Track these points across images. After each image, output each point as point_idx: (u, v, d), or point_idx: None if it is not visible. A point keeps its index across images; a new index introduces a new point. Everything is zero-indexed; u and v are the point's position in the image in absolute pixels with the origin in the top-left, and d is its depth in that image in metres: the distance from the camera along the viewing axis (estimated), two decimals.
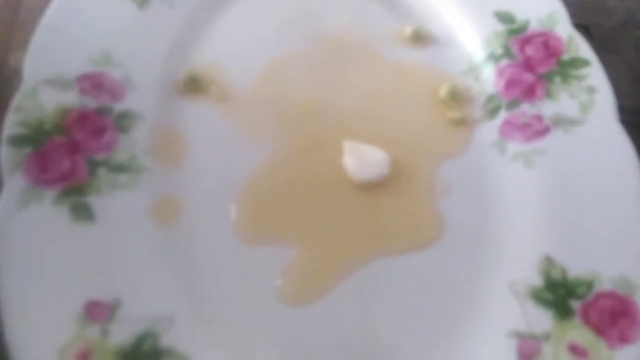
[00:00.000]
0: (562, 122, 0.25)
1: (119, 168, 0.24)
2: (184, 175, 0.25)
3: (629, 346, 0.20)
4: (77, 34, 0.26)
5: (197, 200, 0.24)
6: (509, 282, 0.22)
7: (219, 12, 0.29)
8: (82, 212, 0.22)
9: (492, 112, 0.26)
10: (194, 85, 0.27)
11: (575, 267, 0.22)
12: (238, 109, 0.27)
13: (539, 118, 0.25)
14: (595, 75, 0.25)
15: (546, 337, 0.21)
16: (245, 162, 0.25)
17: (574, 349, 0.20)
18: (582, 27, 0.30)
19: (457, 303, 0.22)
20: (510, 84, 0.26)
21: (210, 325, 0.21)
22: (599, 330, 0.20)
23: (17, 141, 0.23)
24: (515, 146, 0.25)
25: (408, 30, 0.29)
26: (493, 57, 0.27)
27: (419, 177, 0.25)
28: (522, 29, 0.27)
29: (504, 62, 0.27)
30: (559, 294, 0.21)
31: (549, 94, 0.26)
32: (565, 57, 0.26)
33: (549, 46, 0.27)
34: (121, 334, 0.20)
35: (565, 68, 0.26)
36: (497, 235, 0.24)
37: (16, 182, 0.22)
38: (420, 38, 0.29)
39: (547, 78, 0.26)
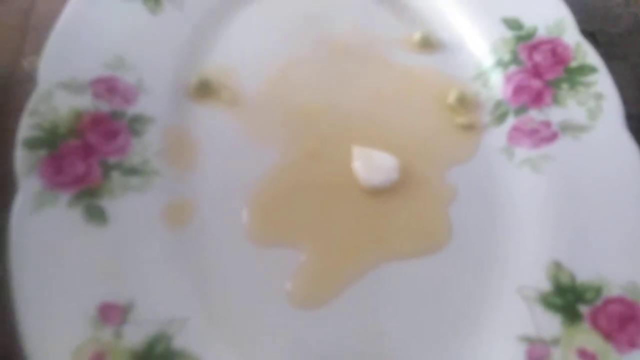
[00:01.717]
0: (570, 128, 0.25)
1: (132, 171, 0.24)
2: (196, 178, 0.25)
3: (638, 351, 0.20)
4: (90, 38, 0.26)
5: (208, 203, 0.24)
6: (518, 287, 0.22)
7: (229, 17, 0.29)
8: (96, 215, 0.22)
9: (501, 118, 0.27)
10: (205, 89, 0.27)
11: (584, 272, 0.22)
12: (249, 112, 0.27)
13: (547, 124, 0.26)
14: (603, 82, 0.26)
15: (555, 342, 0.21)
16: (256, 165, 0.25)
17: (583, 354, 0.20)
18: (589, 33, 0.30)
19: (465, 307, 0.23)
20: (518, 90, 0.27)
21: (222, 328, 0.22)
22: (608, 335, 0.21)
23: (31, 144, 0.23)
24: (523, 152, 0.25)
25: (417, 35, 0.29)
26: (501, 64, 0.27)
27: (427, 182, 0.26)
28: (530, 35, 0.28)
29: (512, 68, 0.27)
30: (568, 298, 0.22)
31: (556, 101, 0.26)
32: (573, 64, 0.26)
33: (556, 53, 0.27)
34: (135, 336, 0.20)
35: (572, 75, 0.26)
36: (505, 240, 0.24)
37: (31, 185, 0.22)
38: (429, 44, 0.29)
39: (554, 85, 0.26)
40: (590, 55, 0.26)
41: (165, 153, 0.25)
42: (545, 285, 0.22)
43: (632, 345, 0.20)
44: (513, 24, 0.28)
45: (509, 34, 0.28)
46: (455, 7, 0.29)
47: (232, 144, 0.26)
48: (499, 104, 0.27)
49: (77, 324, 0.20)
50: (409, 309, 0.23)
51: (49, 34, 0.26)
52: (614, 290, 0.21)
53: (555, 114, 0.26)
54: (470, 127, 0.27)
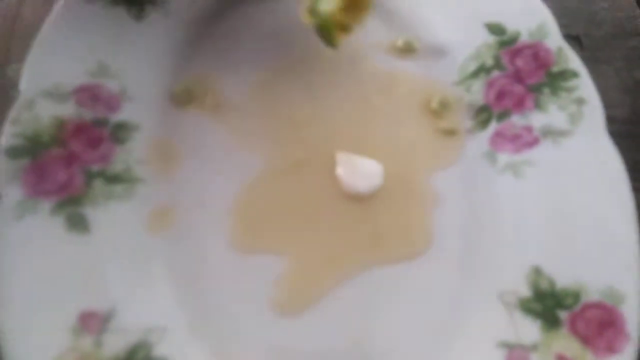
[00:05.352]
0: (552, 133, 0.25)
1: (115, 179, 0.24)
2: (179, 185, 0.25)
3: (616, 356, 0.20)
4: (74, 45, 0.26)
5: (191, 211, 0.24)
6: (498, 292, 0.22)
7: (214, 24, 0.29)
8: (78, 223, 0.22)
9: (483, 123, 0.27)
10: (189, 97, 0.27)
11: (564, 278, 0.22)
12: (233, 120, 0.27)
13: (529, 129, 0.26)
14: (585, 87, 0.26)
15: (534, 347, 0.21)
16: (240, 172, 0.26)
17: None
18: (573, 37, 0.31)
19: (446, 313, 0.23)
20: (500, 95, 0.27)
21: (204, 336, 0.22)
22: (586, 340, 0.21)
23: (14, 152, 0.23)
24: (505, 157, 0.25)
25: (400, 41, 0.29)
26: (484, 69, 0.27)
27: (410, 188, 0.26)
28: (513, 40, 0.28)
29: (495, 73, 0.27)
30: (547, 304, 0.22)
31: (538, 106, 0.26)
32: (555, 68, 0.26)
33: (538, 58, 0.27)
34: (115, 345, 0.20)
35: (554, 80, 0.26)
36: (486, 246, 0.24)
37: (13, 193, 0.22)
38: (412, 49, 0.29)
39: (536, 89, 0.26)
40: (572, 60, 0.26)
41: (149, 160, 0.25)
42: (525, 291, 0.22)
43: (610, 350, 0.20)
44: (496, 29, 0.28)
45: (492, 39, 0.28)
46: (438, 12, 0.29)
47: (216, 151, 0.26)
48: (481, 109, 0.27)
49: (58, 332, 0.20)
50: (391, 314, 0.23)
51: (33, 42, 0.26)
52: (592, 295, 0.21)
53: (537, 119, 0.26)
54: (453, 132, 0.27)
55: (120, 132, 0.25)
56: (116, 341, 0.20)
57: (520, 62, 0.27)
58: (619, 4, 0.32)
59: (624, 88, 0.30)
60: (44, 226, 0.22)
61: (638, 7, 0.32)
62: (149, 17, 0.28)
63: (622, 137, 0.25)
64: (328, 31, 0.25)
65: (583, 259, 0.22)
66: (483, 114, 0.27)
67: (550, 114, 0.25)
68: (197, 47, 0.28)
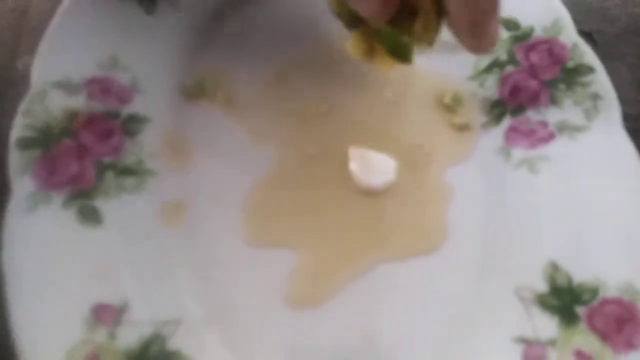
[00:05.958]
0: (567, 128, 0.25)
1: (126, 171, 0.24)
2: (191, 178, 0.25)
3: (635, 352, 0.20)
4: (84, 38, 0.26)
5: (204, 204, 0.24)
6: (515, 288, 0.22)
7: (225, 17, 0.29)
8: (90, 216, 0.22)
9: (497, 118, 0.26)
10: (200, 90, 0.27)
11: (581, 273, 0.22)
12: (245, 114, 0.27)
13: (544, 124, 0.25)
14: (600, 82, 0.25)
15: (552, 343, 0.21)
16: (252, 166, 0.25)
17: (580, 355, 0.20)
18: (586, 34, 0.30)
19: (462, 308, 0.22)
20: (515, 90, 0.26)
21: (217, 328, 0.22)
22: (605, 336, 0.20)
23: (25, 144, 0.23)
24: (520, 152, 0.25)
25: None
26: (498, 64, 0.27)
27: (424, 183, 0.25)
28: (527, 35, 0.27)
29: (509, 68, 0.27)
30: (565, 300, 0.22)
31: (553, 101, 0.26)
32: (570, 64, 0.26)
33: (553, 53, 0.27)
34: (129, 337, 0.20)
35: (569, 75, 0.26)
36: (502, 241, 0.24)
37: (25, 186, 0.22)
38: None
39: (551, 85, 0.26)
40: (587, 55, 0.26)
41: (160, 153, 0.25)
42: (542, 287, 0.22)
43: (629, 346, 0.20)
44: (510, 24, 0.28)
45: (505, 34, 0.28)
46: None
47: (228, 144, 0.26)
48: (495, 104, 0.27)
49: (71, 324, 0.20)
50: (405, 309, 0.23)
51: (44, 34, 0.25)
52: (610, 291, 0.21)
53: (552, 115, 0.26)
54: (466, 128, 0.27)
55: (131, 125, 0.25)
56: (130, 333, 0.20)
57: (535, 58, 0.27)
58: (632, 0, 0.32)
59: (637, 85, 0.30)
60: (56, 219, 0.22)
61: None
62: (160, 9, 0.28)
63: (636, 134, 0.25)
64: (402, 50, 0.23)
65: (600, 255, 0.22)
66: (497, 109, 0.27)
67: (565, 110, 0.25)
68: (209, 41, 0.28)
